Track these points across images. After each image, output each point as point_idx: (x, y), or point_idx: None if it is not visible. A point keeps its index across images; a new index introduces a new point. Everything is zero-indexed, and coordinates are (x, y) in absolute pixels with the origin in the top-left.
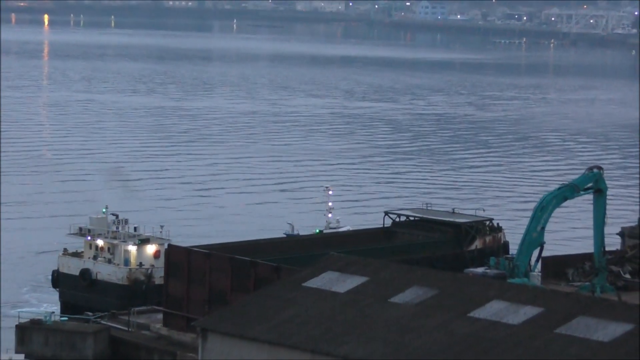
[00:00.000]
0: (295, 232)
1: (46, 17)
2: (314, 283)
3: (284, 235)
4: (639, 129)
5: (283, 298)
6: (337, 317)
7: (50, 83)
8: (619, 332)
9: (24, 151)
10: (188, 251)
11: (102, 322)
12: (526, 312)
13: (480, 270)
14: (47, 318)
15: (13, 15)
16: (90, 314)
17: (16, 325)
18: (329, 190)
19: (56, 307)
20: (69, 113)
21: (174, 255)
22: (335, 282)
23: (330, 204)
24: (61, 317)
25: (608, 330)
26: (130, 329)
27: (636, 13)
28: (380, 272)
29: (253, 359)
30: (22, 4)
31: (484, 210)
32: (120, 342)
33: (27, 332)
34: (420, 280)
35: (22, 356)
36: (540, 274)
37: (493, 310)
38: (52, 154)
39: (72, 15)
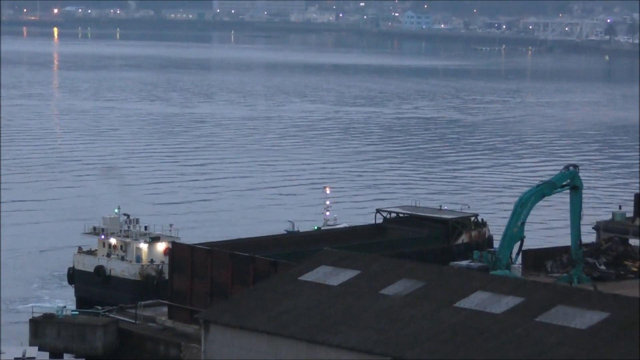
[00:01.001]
0: (296, 229)
1: (55, 30)
2: (309, 277)
3: (285, 232)
4: (639, 130)
5: (280, 291)
6: (331, 308)
7: (61, 92)
8: (595, 320)
9: (37, 157)
10: (191, 248)
11: (111, 315)
12: (508, 302)
13: (464, 263)
14: (59, 312)
15: (24, 29)
16: (99, 307)
17: (30, 319)
18: (327, 189)
19: (71, 302)
20: (78, 120)
21: (178, 252)
22: (329, 275)
23: (327, 202)
24: (72, 311)
25: (585, 318)
26: (137, 322)
27: (609, 21)
28: (371, 265)
29: (253, 348)
30: (32, 17)
31: (469, 206)
32: (128, 334)
33: (40, 326)
34: (409, 273)
35: (35, 348)
36: (520, 266)
37: (477, 300)
38: (63, 158)
39: (79, 28)
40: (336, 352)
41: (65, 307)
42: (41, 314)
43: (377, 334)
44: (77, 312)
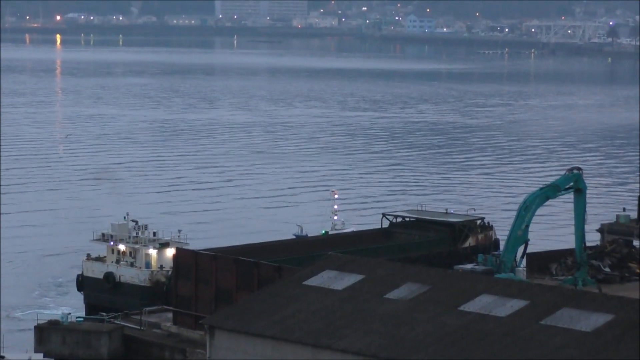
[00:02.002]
0: (304, 234)
1: (58, 36)
2: (313, 281)
3: (294, 237)
4: (639, 131)
5: (285, 296)
6: (336, 313)
7: (64, 98)
8: (600, 322)
9: (42, 164)
10: (195, 254)
11: (116, 321)
12: (513, 305)
13: (468, 266)
14: (64, 319)
15: (27, 36)
16: (104, 314)
17: (35, 326)
18: (335, 193)
19: (78, 310)
20: (82, 126)
21: (182, 257)
22: (334, 280)
23: (335, 206)
24: (77, 317)
25: (590, 321)
26: (142, 328)
27: (611, 23)
28: (376, 270)
29: (258, 353)
30: (35, 25)
31: (475, 210)
32: (133, 340)
33: (45, 332)
34: (414, 276)
35: (41, 355)
36: (525, 269)
37: (482, 303)
38: (68, 165)
39: (82, 34)
40: (341, 356)
41: (70, 313)
42: (46, 321)
43: (382, 337)
44: (82, 319)
